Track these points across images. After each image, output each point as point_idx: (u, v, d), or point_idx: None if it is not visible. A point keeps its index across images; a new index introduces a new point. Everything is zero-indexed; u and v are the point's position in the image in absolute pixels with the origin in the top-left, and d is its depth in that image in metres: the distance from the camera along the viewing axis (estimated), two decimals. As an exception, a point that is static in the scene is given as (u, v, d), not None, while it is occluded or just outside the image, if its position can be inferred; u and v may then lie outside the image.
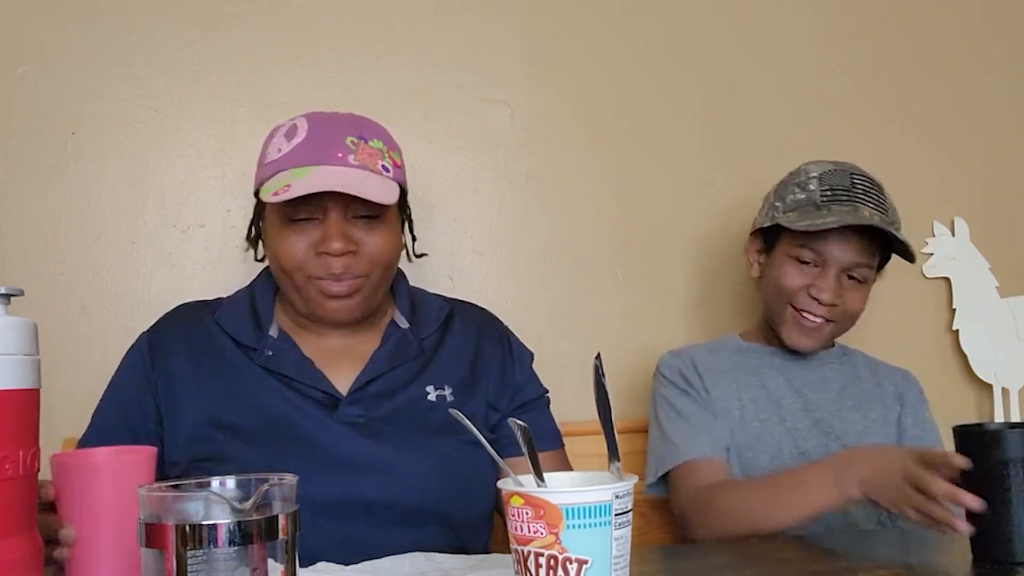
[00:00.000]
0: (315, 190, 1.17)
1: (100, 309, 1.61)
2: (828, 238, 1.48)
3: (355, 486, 1.17)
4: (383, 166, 1.24)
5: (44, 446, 0.71)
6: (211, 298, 1.37)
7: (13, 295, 0.66)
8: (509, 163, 1.80)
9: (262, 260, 1.36)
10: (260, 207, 1.30)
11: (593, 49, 1.86)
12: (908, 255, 1.52)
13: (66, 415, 1.44)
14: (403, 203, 1.33)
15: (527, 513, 0.77)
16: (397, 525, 1.18)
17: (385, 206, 1.23)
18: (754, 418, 1.51)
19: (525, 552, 0.77)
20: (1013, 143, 2.08)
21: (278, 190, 1.17)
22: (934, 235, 2.00)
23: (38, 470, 0.65)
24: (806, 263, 1.50)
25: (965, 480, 1.01)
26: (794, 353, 1.57)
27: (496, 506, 1.29)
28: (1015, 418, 1.94)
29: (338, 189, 1.17)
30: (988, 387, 1.98)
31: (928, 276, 2.00)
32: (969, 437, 1.01)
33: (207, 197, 1.67)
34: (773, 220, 1.53)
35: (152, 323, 1.33)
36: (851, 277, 1.49)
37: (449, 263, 1.75)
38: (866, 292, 1.52)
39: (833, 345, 1.61)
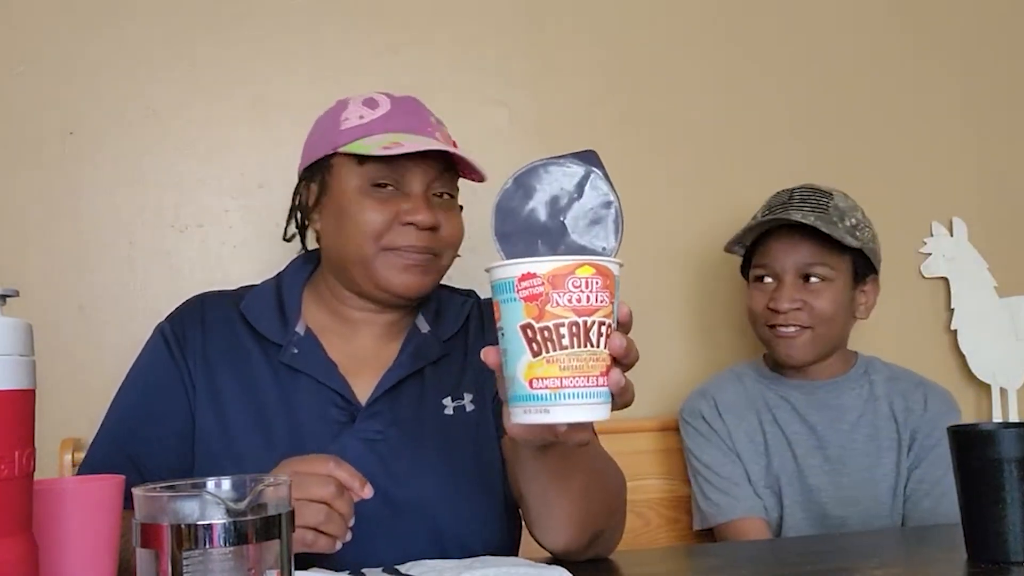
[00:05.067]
0: (433, 147, 1.13)
1: (98, 309, 1.61)
2: (772, 250, 1.54)
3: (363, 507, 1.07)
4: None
5: (41, 447, 0.71)
6: (231, 289, 1.30)
7: (8, 296, 0.66)
8: (507, 164, 1.79)
9: (289, 240, 1.29)
10: (312, 182, 1.22)
11: (592, 51, 1.86)
12: (873, 257, 1.56)
13: (63, 415, 1.44)
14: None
15: (597, 283, 0.75)
16: (407, 549, 1.10)
17: (457, 190, 1.23)
18: (772, 452, 1.56)
19: (588, 323, 0.75)
20: (1011, 144, 2.08)
21: (388, 145, 1.13)
22: (932, 235, 2.00)
23: (33, 471, 0.65)
24: (765, 282, 1.56)
25: (961, 480, 1.01)
26: (813, 380, 1.58)
27: (507, 510, 1.21)
28: (1013, 418, 1.94)
29: (455, 151, 1.15)
30: (986, 387, 1.98)
31: (926, 276, 2.00)
32: (964, 437, 1.01)
33: (205, 197, 1.67)
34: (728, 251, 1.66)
35: (163, 317, 1.25)
36: (811, 279, 1.52)
37: (447, 263, 1.75)
38: (834, 293, 1.53)
39: (855, 363, 1.62)
